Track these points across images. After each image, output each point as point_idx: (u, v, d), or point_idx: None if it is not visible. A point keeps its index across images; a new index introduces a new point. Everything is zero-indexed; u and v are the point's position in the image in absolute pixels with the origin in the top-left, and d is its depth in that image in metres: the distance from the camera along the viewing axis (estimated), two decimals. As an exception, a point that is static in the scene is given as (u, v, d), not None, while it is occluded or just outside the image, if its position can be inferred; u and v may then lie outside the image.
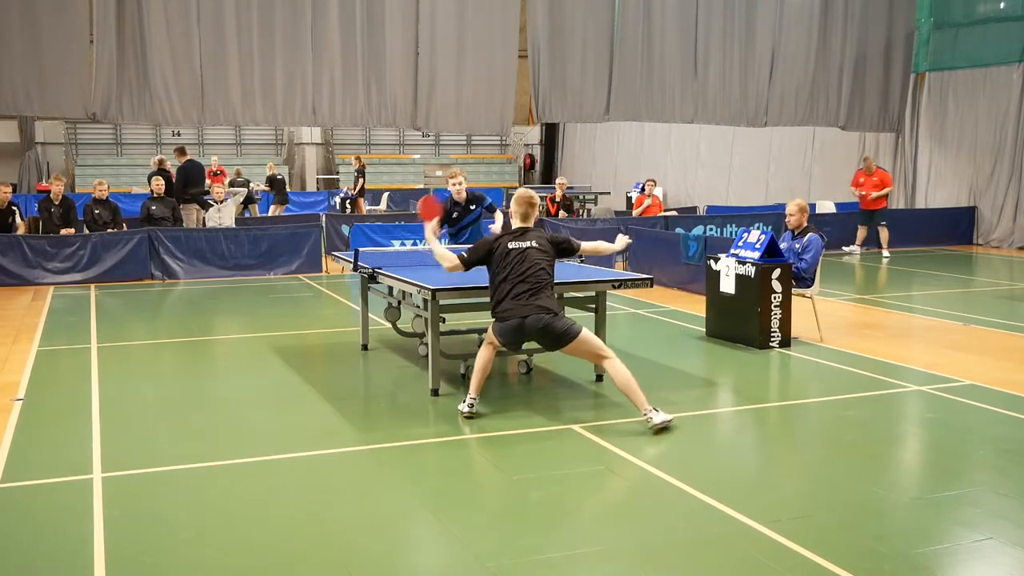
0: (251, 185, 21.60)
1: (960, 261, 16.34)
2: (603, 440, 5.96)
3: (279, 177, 22.23)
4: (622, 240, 7.12)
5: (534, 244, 6.54)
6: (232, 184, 21.12)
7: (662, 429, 6.08)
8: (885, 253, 16.60)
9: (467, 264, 6.67)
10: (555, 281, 7.77)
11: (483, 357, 6.57)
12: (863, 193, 16.78)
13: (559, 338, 6.33)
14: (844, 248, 17.07)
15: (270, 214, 21.31)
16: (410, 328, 8.44)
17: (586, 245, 6.93)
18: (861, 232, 17.19)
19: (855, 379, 7.69)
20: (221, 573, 4.15)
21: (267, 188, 22.24)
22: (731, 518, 4.70)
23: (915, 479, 5.59)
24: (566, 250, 6.79)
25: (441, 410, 6.73)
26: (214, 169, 22.52)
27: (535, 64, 16.46)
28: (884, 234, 16.78)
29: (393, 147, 32.33)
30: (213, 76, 14.62)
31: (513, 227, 6.78)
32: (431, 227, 7.27)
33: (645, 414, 6.13)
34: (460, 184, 9.63)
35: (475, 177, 31.52)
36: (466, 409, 6.46)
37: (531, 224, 6.75)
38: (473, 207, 9.69)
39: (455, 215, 9.64)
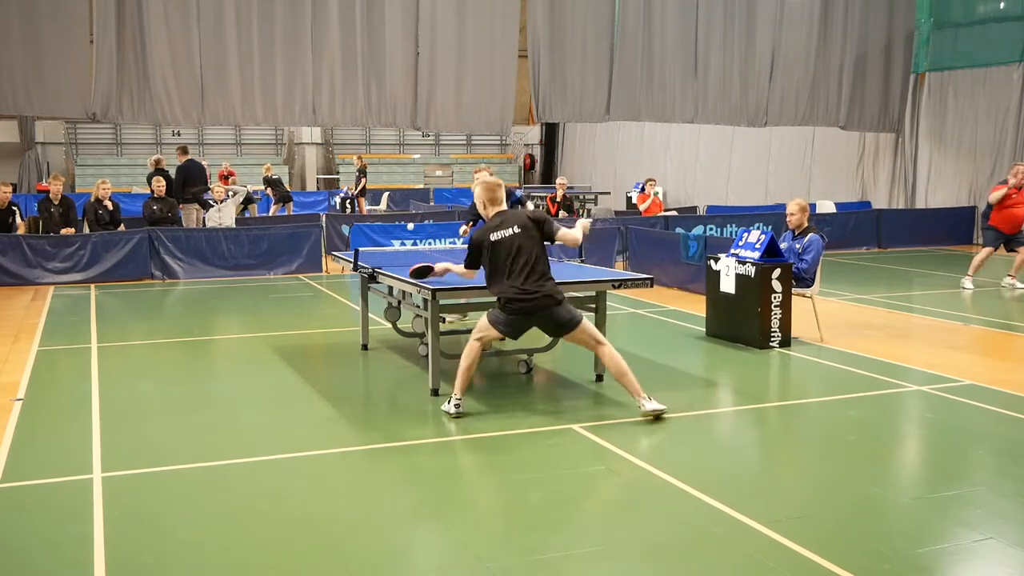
0: (248, 187, 21.63)
1: (960, 261, 16.30)
2: (603, 440, 5.96)
3: (275, 177, 22.24)
4: (582, 225, 6.77)
5: (516, 229, 6.41)
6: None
7: (656, 418, 6.32)
8: (1019, 284, 12.50)
9: (472, 267, 6.70)
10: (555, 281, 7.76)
11: (472, 355, 6.51)
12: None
13: (563, 326, 6.45)
14: (1007, 282, 12.56)
15: (271, 214, 21.29)
16: (410, 328, 8.44)
17: (560, 233, 6.54)
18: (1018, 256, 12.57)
19: (855, 379, 7.69)
20: (221, 573, 4.15)
21: (264, 188, 22.22)
22: (731, 518, 4.70)
23: (915, 479, 5.59)
24: (546, 232, 6.51)
25: (441, 410, 6.73)
26: (224, 172, 22.47)
27: (535, 64, 16.48)
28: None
29: (393, 147, 32.33)
30: (213, 76, 14.64)
31: (489, 217, 6.64)
32: (442, 267, 7.08)
33: (639, 402, 6.36)
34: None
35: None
36: (453, 410, 6.44)
37: (504, 207, 6.64)
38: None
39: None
